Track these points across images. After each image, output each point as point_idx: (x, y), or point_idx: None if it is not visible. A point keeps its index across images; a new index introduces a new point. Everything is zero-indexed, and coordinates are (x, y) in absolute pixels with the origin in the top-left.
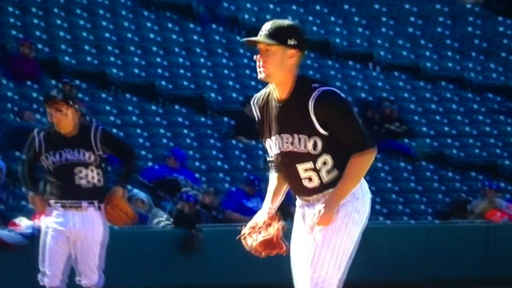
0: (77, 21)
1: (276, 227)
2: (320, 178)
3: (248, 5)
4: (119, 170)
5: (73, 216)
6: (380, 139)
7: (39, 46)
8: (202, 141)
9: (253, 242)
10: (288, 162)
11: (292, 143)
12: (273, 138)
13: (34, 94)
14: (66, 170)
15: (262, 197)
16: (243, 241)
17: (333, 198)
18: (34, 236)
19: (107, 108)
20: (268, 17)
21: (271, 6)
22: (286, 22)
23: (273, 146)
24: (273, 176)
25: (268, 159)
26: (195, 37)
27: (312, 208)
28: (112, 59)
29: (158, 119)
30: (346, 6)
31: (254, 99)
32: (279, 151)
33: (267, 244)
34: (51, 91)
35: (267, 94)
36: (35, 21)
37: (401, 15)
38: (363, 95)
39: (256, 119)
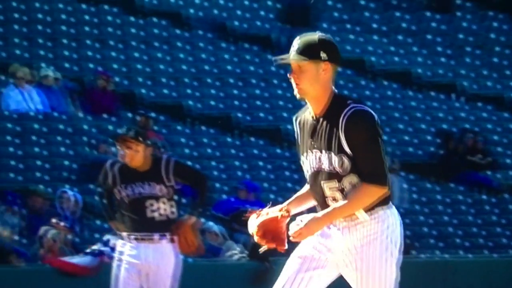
0: (155, 54)
1: (279, 214)
2: (344, 198)
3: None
4: (193, 202)
5: (146, 248)
6: (462, 172)
7: (117, 79)
8: (278, 173)
9: (255, 223)
10: (315, 180)
11: (320, 160)
12: (305, 154)
13: (111, 127)
14: (138, 203)
15: None
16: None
17: (325, 217)
18: (103, 254)
19: (183, 140)
20: (348, 47)
21: (352, 36)
22: (316, 35)
23: (305, 163)
24: (304, 187)
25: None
26: (273, 68)
27: (332, 229)
28: (189, 91)
29: (234, 151)
30: (429, 36)
31: (296, 116)
32: (309, 168)
33: (266, 230)
34: (121, 129)
35: (307, 111)
36: (113, 54)
37: (487, 45)
38: (445, 126)
39: (296, 136)
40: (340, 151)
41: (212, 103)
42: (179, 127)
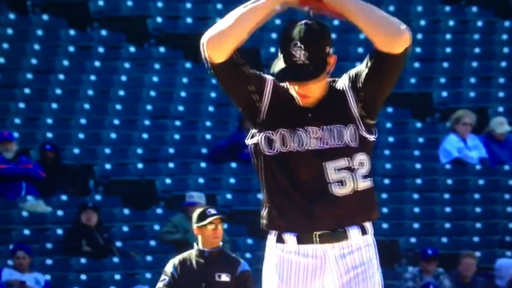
0: None
1: None
2: (354, 181)
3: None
4: None
5: None
6: None
7: None
8: None
9: None
10: (311, 164)
11: (321, 139)
12: (287, 131)
13: None
14: None
15: None
16: None
17: None
18: None
19: None
20: None
21: None
22: (315, 27)
23: (288, 140)
24: None
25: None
26: None
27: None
28: None
29: None
30: None
31: (275, 79)
32: (299, 149)
33: None
34: None
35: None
36: None
37: None
38: None
39: (265, 98)
40: (349, 119)
41: None
42: None
